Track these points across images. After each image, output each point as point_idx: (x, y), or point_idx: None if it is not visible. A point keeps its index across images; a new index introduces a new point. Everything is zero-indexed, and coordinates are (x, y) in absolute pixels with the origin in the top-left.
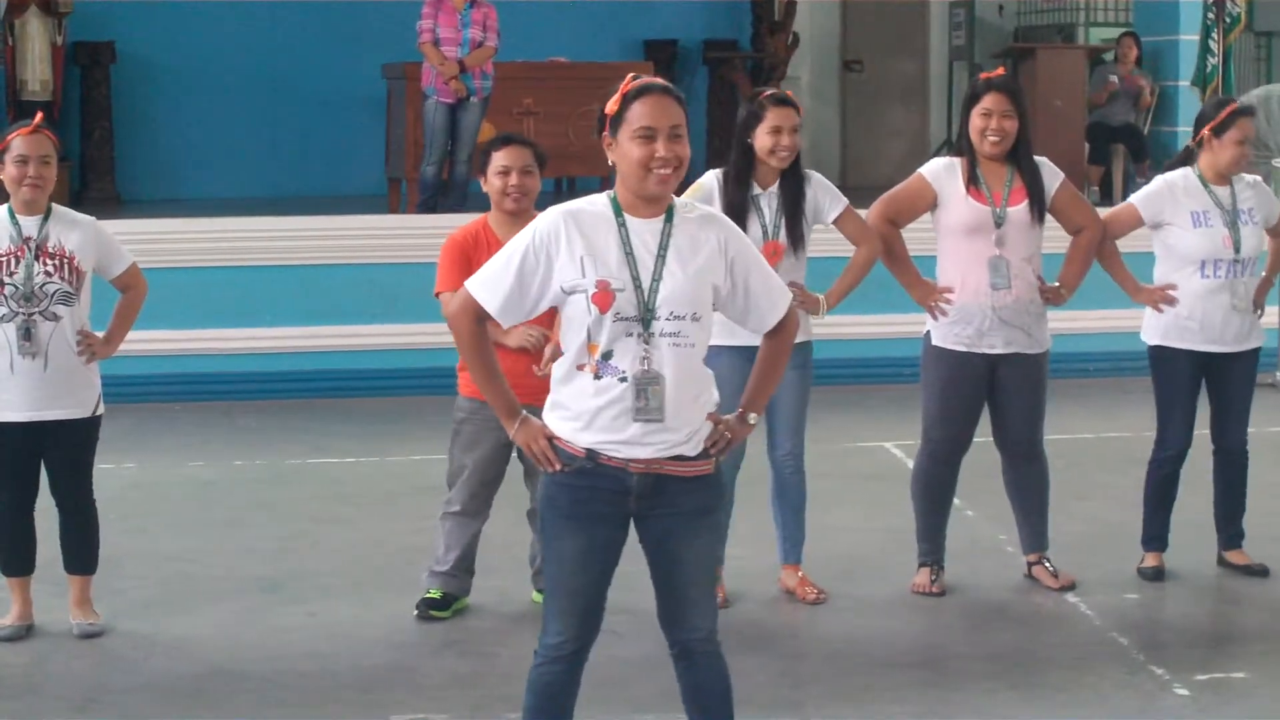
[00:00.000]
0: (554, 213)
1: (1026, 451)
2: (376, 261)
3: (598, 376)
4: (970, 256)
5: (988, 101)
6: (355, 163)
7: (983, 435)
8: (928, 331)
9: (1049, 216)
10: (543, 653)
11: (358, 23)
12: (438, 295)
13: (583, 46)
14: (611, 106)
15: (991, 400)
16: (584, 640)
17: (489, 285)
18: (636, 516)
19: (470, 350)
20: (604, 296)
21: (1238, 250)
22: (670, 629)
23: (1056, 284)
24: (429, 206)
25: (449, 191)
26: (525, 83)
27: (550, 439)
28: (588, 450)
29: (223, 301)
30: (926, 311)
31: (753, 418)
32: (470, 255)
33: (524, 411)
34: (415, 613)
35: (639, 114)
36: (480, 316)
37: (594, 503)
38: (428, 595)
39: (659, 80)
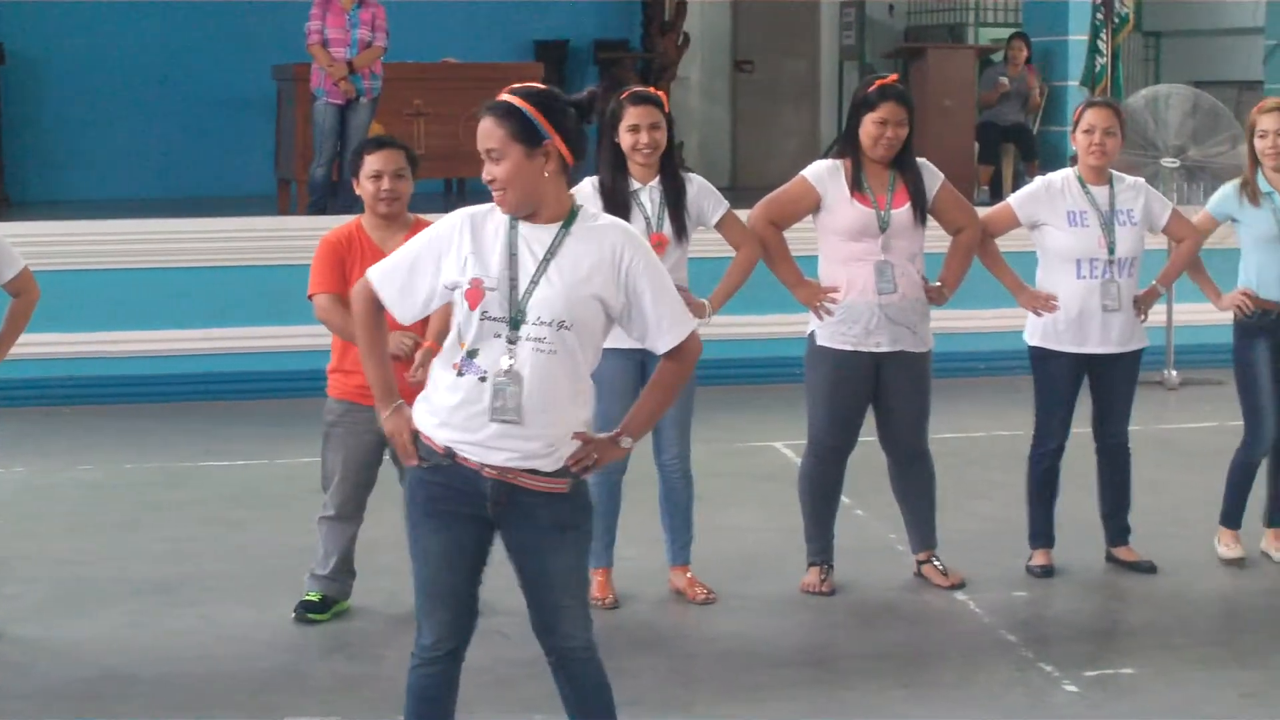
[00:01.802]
0: (457, 213)
1: (912, 452)
2: (266, 263)
3: (460, 373)
4: (855, 258)
5: (884, 111)
6: (245, 164)
7: (871, 434)
8: (812, 332)
9: (930, 217)
10: (418, 655)
11: (247, 24)
12: (311, 297)
13: (473, 47)
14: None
15: (876, 401)
16: (458, 640)
17: (387, 277)
18: (495, 521)
19: (362, 330)
20: (474, 294)
21: (1112, 251)
22: (544, 638)
23: (938, 283)
24: (319, 208)
25: (339, 193)
26: (415, 83)
27: (415, 433)
28: (446, 448)
29: (112, 304)
30: (812, 312)
31: (627, 442)
32: (345, 258)
33: (400, 402)
34: (293, 615)
35: (477, 139)
36: (378, 304)
37: (452, 501)
38: (306, 598)
39: (496, 101)
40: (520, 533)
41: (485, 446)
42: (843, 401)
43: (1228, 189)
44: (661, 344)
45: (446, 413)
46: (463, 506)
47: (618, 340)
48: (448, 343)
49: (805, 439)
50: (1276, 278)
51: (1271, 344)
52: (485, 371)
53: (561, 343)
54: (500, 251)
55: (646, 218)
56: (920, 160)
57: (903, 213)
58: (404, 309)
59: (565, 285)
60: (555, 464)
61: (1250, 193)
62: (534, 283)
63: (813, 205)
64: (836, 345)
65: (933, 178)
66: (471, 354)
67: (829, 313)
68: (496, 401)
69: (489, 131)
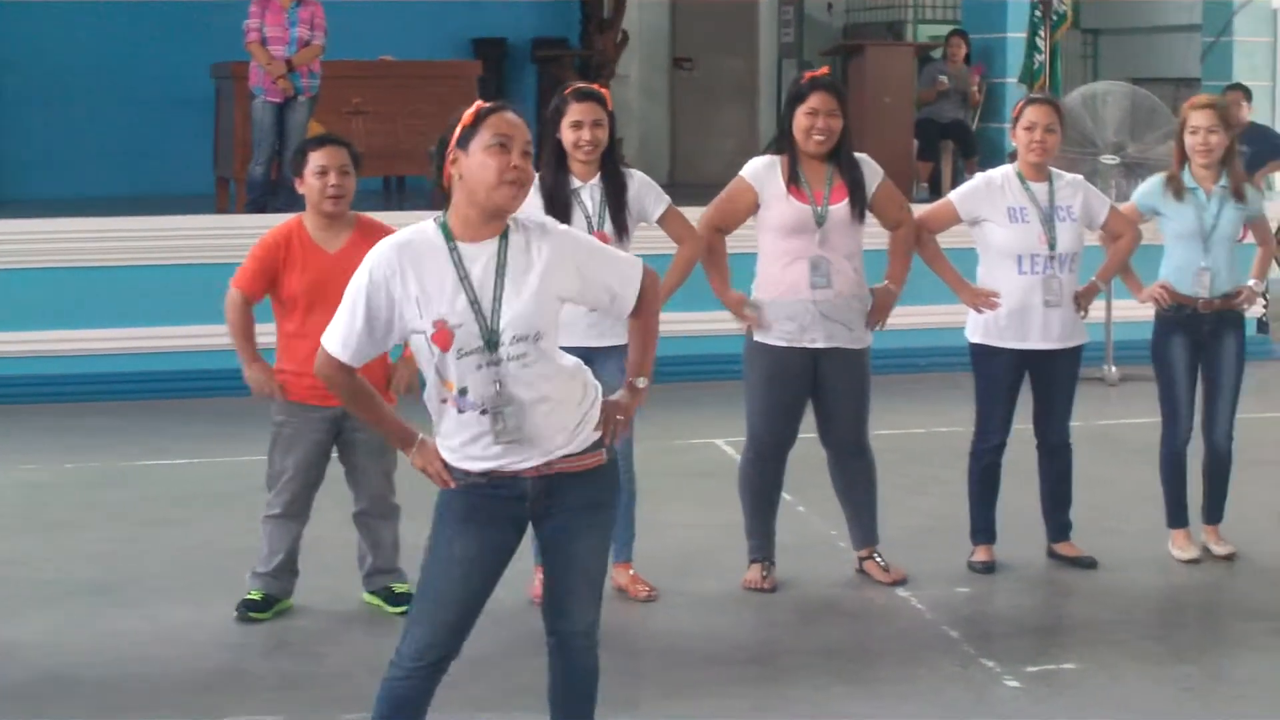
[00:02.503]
0: (385, 248)
1: (853, 448)
2: (206, 262)
3: (460, 411)
4: (791, 254)
5: (814, 101)
6: (184, 163)
7: (812, 430)
8: (749, 328)
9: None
10: (401, 664)
11: (186, 22)
12: (230, 285)
13: (411, 45)
14: (468, 119)
15: (815, 397)
16: (448, 651)
17: (341, 338)
18: (533, 519)
19: (350, 400)
20: (442, 336)
21: (1053, 246)
22: (550, 619)
23: (885, 283)
24: (258, 206)
25: (278, 191)
26: (354, 81)
27: (445, 462)
28: (481, 471)
29: (51, 303)
30: (739, 320)
31: (642, 381)
32: (281, 261)
33: (422, 436)
34: (235, 614)
35: (496, 124)
36: (349, 368)
37: (491, 506)
38: (248, 597)
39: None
40: (555, 519)
41: (514, 459)
42: (780, 398)
43: (1153, 182)
44: (629, 302)
45: (464, 447)
46: (502, 510)
47: (563, 338)
48: (430, 382)
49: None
50: (1195, 273)
51: (1189, 339)
52: (484, 404)
53: (538, 350)
54: (451, 282)
55: (587, 216)
56: (860, 156)
57: (840, 208)
58: (364, 358)
59: (529, 297)
60: (583, 444)
61: (1175, 188)
62: (498, 301)
63: (752, 204)
64: (772, 342)
65: (873, 174)
66: (463, 392)
67: (754, 322)
68: (496, 425)
69: (527, 131)
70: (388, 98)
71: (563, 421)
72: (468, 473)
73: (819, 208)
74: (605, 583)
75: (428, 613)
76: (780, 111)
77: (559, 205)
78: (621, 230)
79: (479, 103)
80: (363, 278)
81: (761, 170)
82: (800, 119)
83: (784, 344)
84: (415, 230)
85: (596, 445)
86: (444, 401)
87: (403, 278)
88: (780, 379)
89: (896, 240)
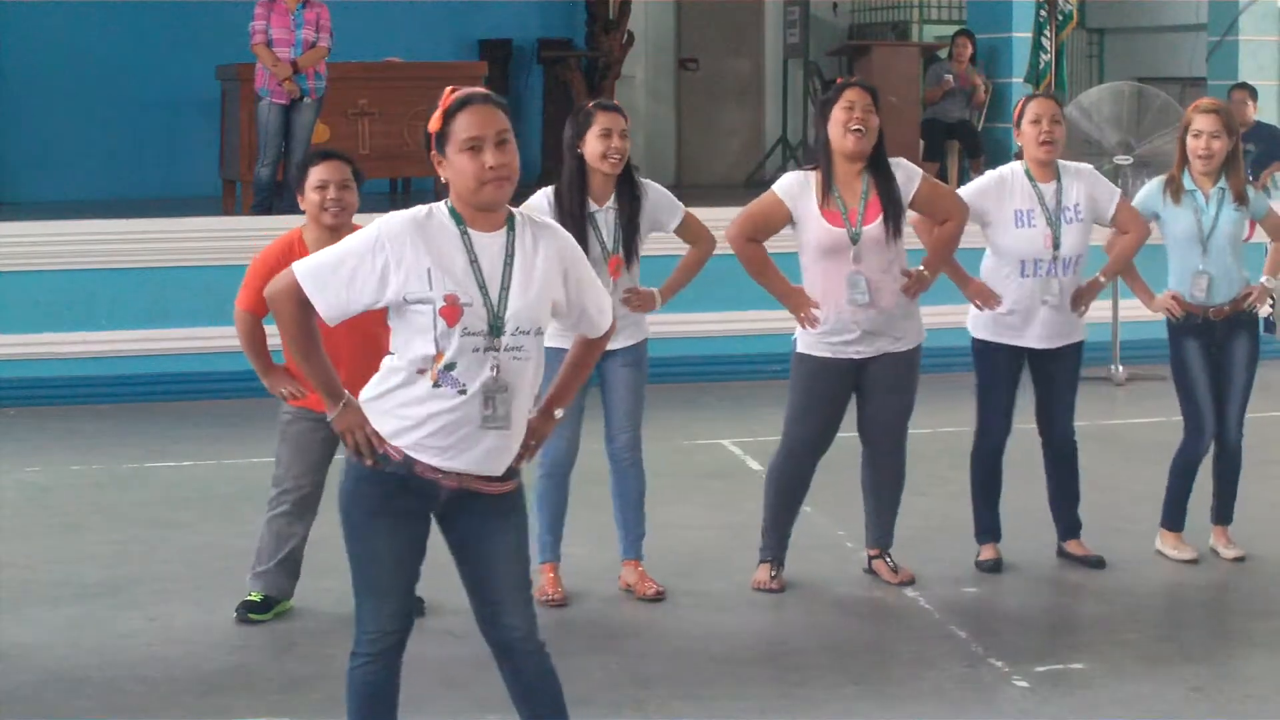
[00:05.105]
0: (399, 217)
1: (890, 445)
2: (212, 264)
3: (436, 384)
4: (829, 274)
5: (850, 94)
6: (190, 165)
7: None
8: (794, 338)
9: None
10: (363, 651)
11: (191, 24)
12: (238, 308)
13: (417, 46)
14: (434, 124)
15: (859, 395)
16: (402, 633)
17: (318, 278)
18: (439, 517)
19: (291, 330)
20: (452, 311)
21: (1057, 247)
22: (487, 630)
23: (920, 267)
24: (264, 208)
25: (284, 193)
26: (360, 83)
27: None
28: (405, 456)
29: (57, 305)
30: (797, 322)
31: (559, 413)
32: (278, 269)
33: (347, 396)
34: (235, 615)
35: (464, 125)
36: (304, 303)
37: (405, 497)
38: (248, 598)
39: (479, 90)
40: (464, 521)
41: (450, 452)
42: (819, 406)
43: (1153, 185)
44: (595, 330)
45: (416, 420)
46: (413, 502)
47: (564, 340)
48: (416, 351)
49: (754, 436)
50: (1192, 276)
51: (1203, 344)
52: (464, 385)
53: (535, 347)
54: (463, 262)
55: (602, 243)
56: (895, 160)
57: (874, 228)
58: (333, 311)
59: (534, 293)
60: (503, 467)
61: (1174, 190)
62: (505, 290)
63: (784, 220)
64: (814, 352)
65: (909, 179)
66: (449, 367)
67: (813, 324)
68: (486, 410)
69: (499, 118)
70: (393, 99)
71: (522, 425)
72: (389, 454)
73: (853, 229)
74: (535, 583)
75: (371, 606)
76: (787, 113)
77: (576, 230)
78: (632, 255)
79: (446, 94)
80: (369, 234)
81: (795, 187)
82: (837, 113)
83: (826, 354)
84: (428, 208)
85: (512, 473)
86: (422, 372)
87: (413, 248)
88: (821, 388)
89: (942, 231)
